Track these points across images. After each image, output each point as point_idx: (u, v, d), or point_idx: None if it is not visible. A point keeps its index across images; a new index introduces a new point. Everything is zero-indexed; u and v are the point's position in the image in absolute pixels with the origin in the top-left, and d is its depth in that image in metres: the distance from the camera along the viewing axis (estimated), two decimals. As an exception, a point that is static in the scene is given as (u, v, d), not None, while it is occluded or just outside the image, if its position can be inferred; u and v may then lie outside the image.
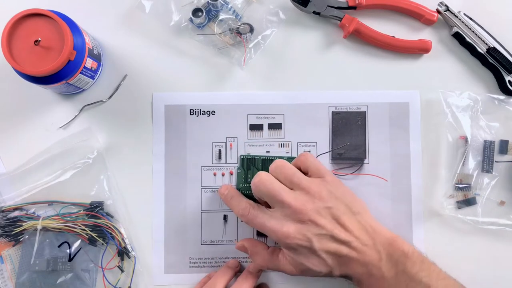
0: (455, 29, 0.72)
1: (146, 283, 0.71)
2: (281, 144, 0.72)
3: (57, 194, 0.70)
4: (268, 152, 0.72)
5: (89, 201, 0.70)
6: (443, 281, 0.61)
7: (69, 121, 0.71)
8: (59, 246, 0.69)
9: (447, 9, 0.72)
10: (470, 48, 0.72)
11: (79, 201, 0.70)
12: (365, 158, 0.71)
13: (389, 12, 0.73)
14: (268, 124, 0.72)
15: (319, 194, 0.61)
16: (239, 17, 0.72)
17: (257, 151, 0.72)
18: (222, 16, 0.71)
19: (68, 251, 0.69)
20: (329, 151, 0.72)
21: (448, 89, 0.72)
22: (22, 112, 0.72)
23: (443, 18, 0.73)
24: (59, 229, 0.69)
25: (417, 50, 0.72)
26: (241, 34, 0.71)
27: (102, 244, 0.70)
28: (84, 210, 0.70)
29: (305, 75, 0.73)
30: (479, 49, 0.71)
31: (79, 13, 0.68)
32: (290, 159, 0.72)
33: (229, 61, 0.72)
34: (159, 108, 0.72)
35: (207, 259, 0.71)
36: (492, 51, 0.71)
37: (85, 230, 0.69)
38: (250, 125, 0.72)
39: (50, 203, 0.70)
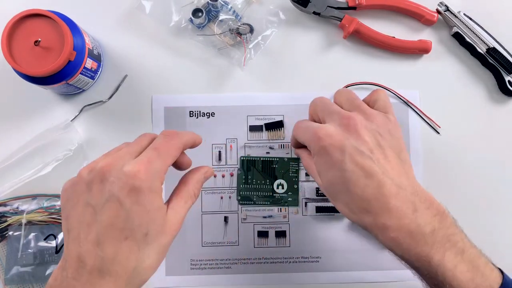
0: (455, 29, 0.72)
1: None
2: (281, 145, 0.72)
3: (40, 188, 0.70)
4: (268, 153, 0.72)
5: None
6: (474, 249, 0.54)
7: (69, 122, 0.71)
8: (45, 239, 0.69)
9: (447, 9, 0.72)
10: (470, 48, 0.72)
11: None
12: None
13: (389, 12, 0.74)
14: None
15: (375, 119, 0.55)
16: (239, 17, 0.72)
17: (257, 152, 0.72)
18: (222, 16, 0.71)
19: (54, 243, 0.69)
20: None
21: (448, 89, 0.73)
22: (22, 112, 0.72)
23: (443, 18, 0.73)
24: (45, 221, 0.69)
25: (417, 50, 0.72)
26: (241, 34, 0.71)
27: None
28: None
29: (304, 76, 0.73)
30: (479, 49, 0.72)
31: (79, 14, 0.68)
32: (290, 160, 0.72)
33: (229, 62, 0.72)
34: (159, 110, 0.72)
35: (208, 261, 0.71)
36: (492, 51, 0.71)
37: None
38: (250, 126, 0.72)
39: (34, 196, 0.70)
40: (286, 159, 0.72)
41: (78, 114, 0.71)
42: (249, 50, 0.72)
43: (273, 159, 0.72)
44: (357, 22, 0.71)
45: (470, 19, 0.72)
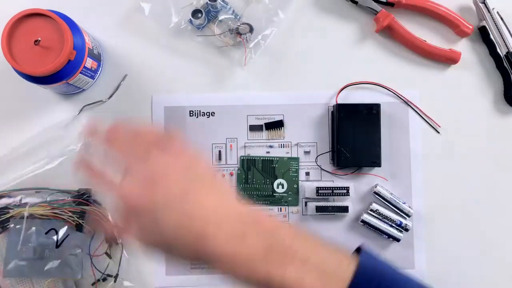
0: (483, 23, 0.71)
1: (147, 284, 0.71)
2: (281, 144, 0.72)
3: (44, 182, 0.70)
4: (268, 152, 0.72)
5: (77, 188, 0.70)
6: (320, 251, 0.49)
7: (69, 121, 0.71)
8: (46, 233, 0.68)
9: (484, 1, 0.71)
10: (491, 47, 0.72)
11: (67, 188, 0.70)
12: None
13: (424, 16, 0.73)
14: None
15: (162, 167, 0.51)
16: (238, 17, 0.72)
17: (257, 151, 0.72)
18: (221, 16, 0.71)
19: (55, 237, 0.68)
20: (329, 151, 0.72)
21: (450, 88, 0.73)
22: (22, 112, 0.72)
23: (475, 9, 0.72)
24: (46, 216, 0.68)
25: (445, 59, 0.72)
26: (240, 34, 0.70)
27: (90, 231, 0.69)
28: (71, 197, 0.69)
29: (305, 75, 0.73)
30: (498, 50, 0.71)
31: (79, 13, 0.68)
32: (290, 159, 0.72)
33: (229, 61, 0.72)
34: (159, 109, 0.72)
35: (208, 260, 0.71)
36: (510, 56, 0.71)
37: (72, 217, 0.68)
38: (250, 125, 0.72)
39: (38, 190, 0.70)
40: (286, 159, 0.72)
41: (78, 114, 0.71)
42: (249, 49, 0.72)
43: (273, 158, 0.72)
44: (392, 18, 0.71)
45: (502, 19, 0.71)
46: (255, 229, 0.49)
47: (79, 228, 0.69)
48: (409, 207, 0.70)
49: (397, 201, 0.70)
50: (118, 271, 0.70)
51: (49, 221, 0.69)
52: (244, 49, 0.71)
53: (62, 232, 0.69)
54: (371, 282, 0.47)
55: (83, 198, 0.69)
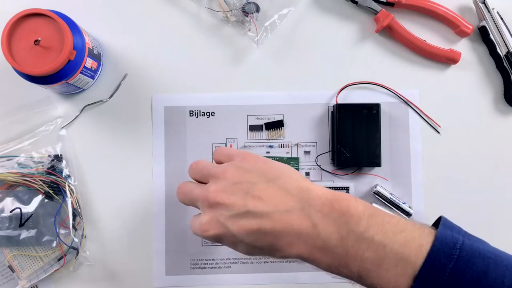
0: (483, 23, 0.71)
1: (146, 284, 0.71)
2: (281, 144, 0.72)
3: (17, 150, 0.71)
4: (268, 152, 0.72)
5: (47, 155, 0.71)
6: (401, 235, 0.48)
7: (70, 121, 0.71)
8: (11, 211, 0.68)
9: (484, 1, 0.71)
10: (491, 47, 0.72)
11: (40, 156, 0.71)
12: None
13: (424, 16, 0.73)
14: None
15: (223, 174, 0.54)
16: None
17: (257, 152, 0.72)
18: None
19: (29, 207, 0.68)
20: (329, 151, 0.72)
21: (450, 88, 0.73)
22: (22, 112, 0.71)
23: (475, 9, 0.72)
24: (17, 182, 0.68)
25: (445, 59, 0.72)
26: (247, 13, 0.70)
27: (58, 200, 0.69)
28: (42, 167, 0.70)
29: (305, 75, 0.73)
30: (498, 50, 0.71)
31: (79, 13, 0.68)
32: (290, 159, 0.72)
33: (229, 60, 0.73)
34: (159, 109, 0.72)
35: (208, 260, 0.71)
36: (510, 55, 0.71)
37: (43, 186, 0.68)
38: (250, 125, 0.72)
39: (9, 158, 0.70)
40: (286, 159, 0.72)
41: (79, 114, 0.72)
42: (264, 28, 0.72)
43: (273, 158, 0.72)
44: (392, 18, 0.71)
45: (502, 19, 0.71)
46: (326, 215, 0.50)
47: (48, 197, 0.69)
48: (409, 207, 0.70)
49: (397, 201, 0.70)
50: (78, 249, 0.70)
51: (23, 191, 0.69)
52: (255, 26, 0.71)
53: (37, 200, 0.69)
54: (445, 266, 0.47)
55: (52, 168, 0.69)
